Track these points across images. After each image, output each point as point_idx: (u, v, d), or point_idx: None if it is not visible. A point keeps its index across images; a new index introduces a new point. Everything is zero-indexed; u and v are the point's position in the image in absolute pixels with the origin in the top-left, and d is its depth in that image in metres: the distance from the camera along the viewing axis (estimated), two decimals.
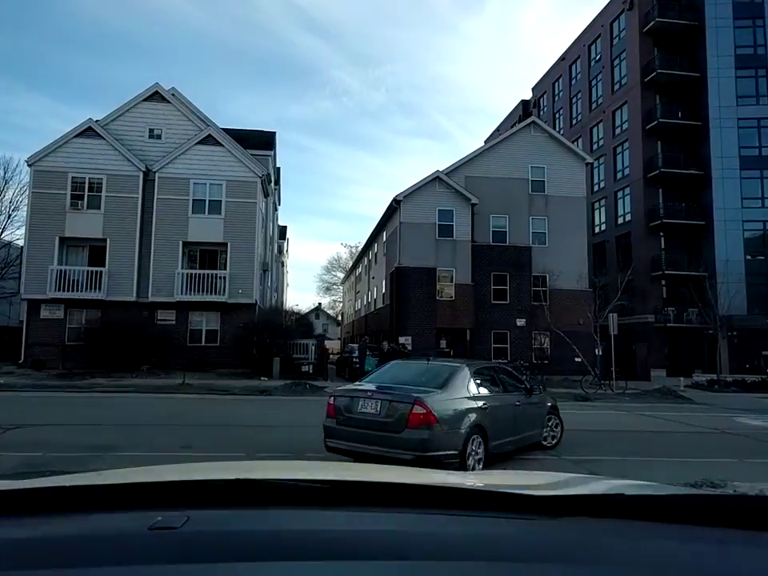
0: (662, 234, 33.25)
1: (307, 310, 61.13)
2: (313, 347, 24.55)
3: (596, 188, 39.04)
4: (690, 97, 33.89)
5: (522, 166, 28.08)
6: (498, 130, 55.03)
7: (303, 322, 29.13)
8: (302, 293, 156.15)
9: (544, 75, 49.13)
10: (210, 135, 24.90)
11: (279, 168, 39.42)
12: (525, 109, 51.30)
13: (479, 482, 1.55)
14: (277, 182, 37.60)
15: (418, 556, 0.93)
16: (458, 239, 26.63)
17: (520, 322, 27.17)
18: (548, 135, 28.47)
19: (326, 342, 29.00)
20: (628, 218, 35.72)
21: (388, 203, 27.92)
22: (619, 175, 36.94)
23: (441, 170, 26.93)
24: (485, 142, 48.93)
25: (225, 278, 24.08)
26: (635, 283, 30.55)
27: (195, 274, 24.10)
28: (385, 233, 31.11)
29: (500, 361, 24.87)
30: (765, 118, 32.03)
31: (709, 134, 32.20)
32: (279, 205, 42.65)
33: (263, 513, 1.14)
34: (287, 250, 59.42)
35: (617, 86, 37.40)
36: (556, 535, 1.04)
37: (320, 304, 79.93)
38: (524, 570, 0.91)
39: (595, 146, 39.40)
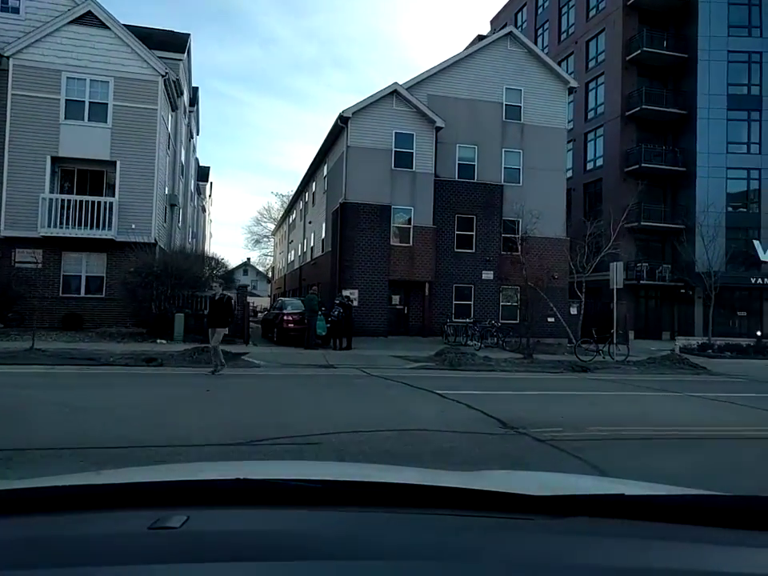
0: (638, 181, 29.62)
1: (234, 266, 54.69)
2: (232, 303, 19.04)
3: None
4: (676, 26, 29.93)
5: (496, 88, 23.17)
6: None
7: (222, 274, 23.41)
8: (229, 248, 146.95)
9: (506, 5, 43.91)
10: (89, 12, 18.23)
11: (197, 88, 32.54)
12: None
13: (479, 482, 1.44)
14: (193, 103, 30.83)
15: (418, 556, 0.92)
16: (418, 171, 21.58)
17: (487, 275, 22.79)
18: (527, 51, 23.57)
19: (249, 297, 23.57)
20: (599, 162, 31.89)
21: (333, 123, 22.32)
22: (591, 114, 32.89)
23: (400, 83, 21.54)
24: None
25: (112, 207, 17.97)
26: (604, 238, 26.90)
27: (70, 201, 17.83)
28: (327, 165, 25.56)
29: (466, 321, 20.43)
30: (756, 52, 28.58)
31: (696, 67, 28.45)
32: (197, 134, 35.79)
33: (263, 512, 1.13)
34: (210, 196, 52.29)
35: (593, 12, 32.91)
36: (556, 535, 1.03)
37: (248, 259, 73.13)
38: (524, 570, 0.89)
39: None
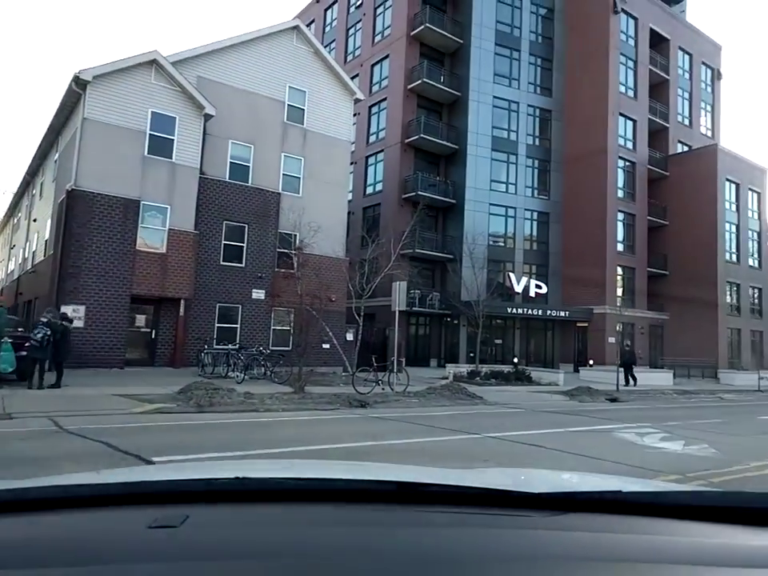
0: (414, 208, 29.96)
1: None
2: None
3: None
4: (452, 64, 31.49)
5: (278, 84, 20.73)
6: None
7: None
8: None
9: (297, 16, 42.39)
10: None
11: None
12: None
13: (478, 480, 1.47)
14: None
15: (419, 554, 0.92)
16: (179, 163, 17.79)
17: (258, 294, 19.85)
18: (314, 52, 21.73)
19: None
20: (379, 187, 31.68)
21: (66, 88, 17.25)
22: (373, 138, 32.69)
23: (164, 55, 17.62)
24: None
25: None
26: (382, 261, 26.38)
27: None
28: (59, 144, 20.03)
29: (228, 347, 17.12)
30: (514, 101, 31.42)
31: (467, 106, 30.08)
32: None
33: (263, 512, 1.13)
34: None
35: (378, 37, 33.08)
36: (555, 533, 1.02)
37: None
38: (524, 567, 0.90)
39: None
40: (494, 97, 30.71)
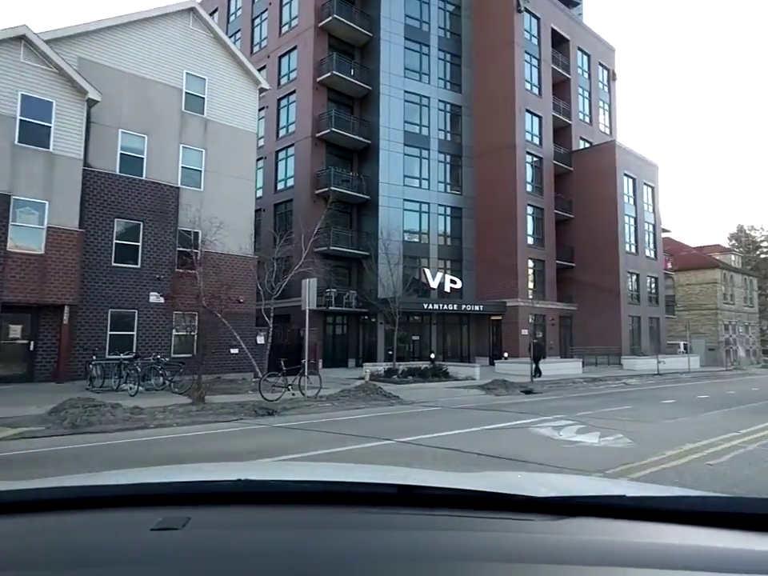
0: (328, 204, 29.15)
1: None
2: None
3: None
4: (363, 57, 30.91)
5: (174, 70, 19.15)
6: None
7: None
8: None
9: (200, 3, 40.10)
10: None
11: None
12: None
13: (481, 483, 1.43)
14: None
15: (419, 558, 0.92)
16: (58, 154, 15.86)
17: (156, 297, 18.24)
18: (214, 37, 20.31)
19: None
20: (290, 182, 30.54)
21: None
22: (283, 132, 31.49)
23: (36, 32, 15.62)
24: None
25: None
26: (294, 260, 25.32)
27: None
28: None
29: (121, 357, 15.50)
30: (425, 96, 31.35)
31: (379, 100, 29.62)
32: None
33: (265, 513, 1.13)
34: None
35: (285, 28, 31.88)
36: (557, 536, 1.02)
37: None
38: (526, 571, 0.89)
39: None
40: (405, 91, 30.47)
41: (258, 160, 31.21)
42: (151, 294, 17.99)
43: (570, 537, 1.02)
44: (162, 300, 17.80)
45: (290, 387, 13.60)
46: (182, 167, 19.21)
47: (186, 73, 19.42)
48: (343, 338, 29.82)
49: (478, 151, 32.27)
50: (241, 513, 1.12)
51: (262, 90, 21.99)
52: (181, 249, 18.59)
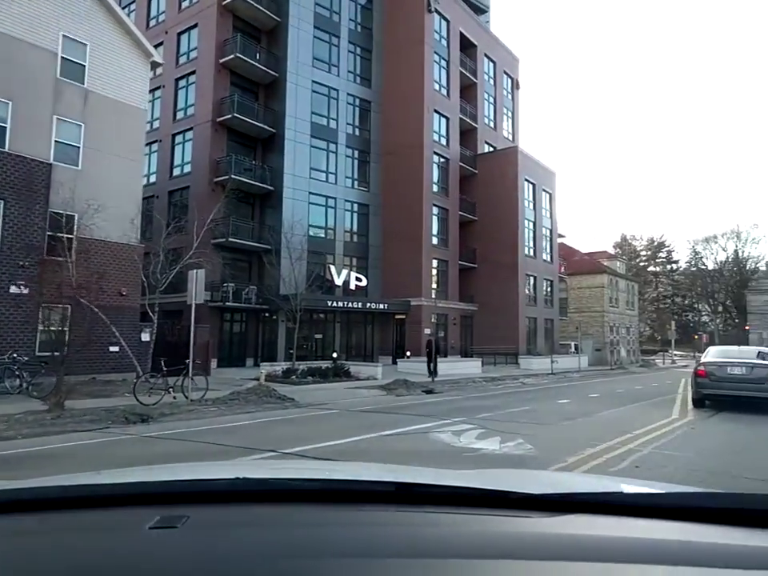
0: (226, 192, 27.43)
1: None
2: None
3: (147, 127, 30.09)
4: (269, 42, 29.46)
5: (49, 31, 16.89)
6: None
7: None
8: None
9: None
10: None
11: None
12: None
13: (478, 481, 1.44)
14: None
15: (417, 555, 0.92)
16: None
17: (19, 288, 15.96)
18: (98, 0, 18.20)
19: None
20: (187, 168, 28.47)
21: None
22: (180, 114, 29.29)
23: None
24: None
25: None
26: (188, 251, 23.48)
27: None
28: None
29: None
30: (334, 88, 30.52)
31: (285, 89, 28.35)
32: None
33: (264, 512, 1.13)
34: None
35: (185, 3, 29.70)
36: (555, 533, 1.02)
37: None
38: (523, 568, 0.90)
39: (151, 74, 30.47)
40: (314, 81, 29.44)
41: (152, 143, 29.05)
42: (12, 284, 15.70)
43: (568, 533, 1.01)
44: (25, 291, 15.59)
45: (171, 390, 12.24)
46: (56, 141, 17.00)
47: (63, 35, 17.21)
48: (242, 335, 28.27)
49: (386, 148, 31.93)
50: (239, 511, 1.12)
51: (155, 65, 20.17)
52: (52, 233, 16.41)
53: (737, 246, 74.69)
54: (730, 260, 74.70)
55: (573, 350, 38.72)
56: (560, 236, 42.59)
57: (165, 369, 12.35)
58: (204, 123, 27.28)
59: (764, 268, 69.57)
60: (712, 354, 13.83)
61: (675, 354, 55.45)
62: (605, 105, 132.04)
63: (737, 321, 68.59)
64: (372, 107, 32.28)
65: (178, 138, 29.12)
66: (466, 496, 1.19)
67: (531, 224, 36.33)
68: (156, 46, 29.68)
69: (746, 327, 59.03)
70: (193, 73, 28.53)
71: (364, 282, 29.99)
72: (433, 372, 20.88)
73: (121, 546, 0.95)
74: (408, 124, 31.07)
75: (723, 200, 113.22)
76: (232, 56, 26.87)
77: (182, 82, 29.37)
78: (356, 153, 31.73)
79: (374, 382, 19.41)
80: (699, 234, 78.52)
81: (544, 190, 38.05)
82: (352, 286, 29.20)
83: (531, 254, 36.11)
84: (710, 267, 75.70)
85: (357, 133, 31.83)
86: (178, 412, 10.81)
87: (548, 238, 38.74)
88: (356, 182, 31.58)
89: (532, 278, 36.01)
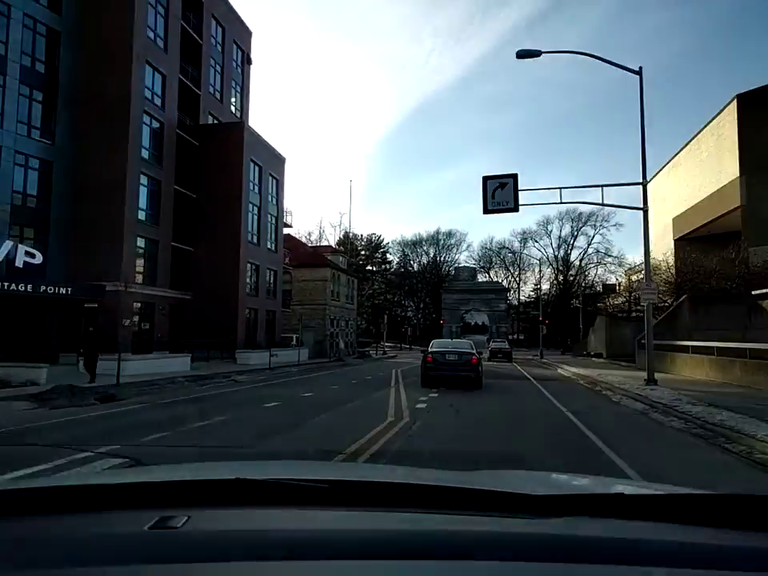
0: None
1: None
2: None
3: None
4: None
5: None
6: None
7: None
8: None
9: None
10: None
11: None
12: None
13: (477, 482, 1.46)
14: None
15: (417, 556, 0.92)
16: None
17: None
18: None
19: None
20: None
21: None
22: None
23: None
24: None
25: None
26: None
27: None
28: None
29: None
30: (4, 2, 23.17)
31: None
32: None
33: (263, 512, 1.12)
34: None
35: None
36: (556, 535, 1.01)
37: None
38: (524, 569, 0.90)
39: None
40: None
41: None
42: None
43: (569, 534, 1.01)
44: None
45: None
46: None
47: None
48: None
49: (80, 96, 25.75)
50: (240, 512, 1.11)
51: None
52: None
53: (436, 251, 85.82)
54: (430, 263, 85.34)
55: (294, 342, 37.82)
56: (287, 225, 41.37)
57: None
58: None
59: (453, 272, 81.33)
60: (436, 345, 17.00)
61: (386, 345, 60.01)
62: (344, 98, 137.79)
63: (434, 316, 78.40)
64: (63, 41, 25.67)
65: None
66: (467, 497, 1.17)
67: (256, 209, 34.02)
68: None
69: (442, 321, 67.61)
70: None
71: (39, 260, 23.38)
72: (90, 377, 16.64)
73: (121, 546, 0.94)
74: (111, 70, 25.55)
75: (431, 205, 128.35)
76: None
77: None
78: (38, 94, 24.82)
79: (33, 388, 14.52)
80: (410, 237, 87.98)
81: (272, 176, 36.16)
82: (19, 263, 22.49)
83: (255, 240, 33.82)
84: (416, 269, 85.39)
85: (40, 69, 24.92)
86: None
87: (273, 226, 37.01)
88: (36, 132, 24.70)
89: (254, 267, 33.74)
